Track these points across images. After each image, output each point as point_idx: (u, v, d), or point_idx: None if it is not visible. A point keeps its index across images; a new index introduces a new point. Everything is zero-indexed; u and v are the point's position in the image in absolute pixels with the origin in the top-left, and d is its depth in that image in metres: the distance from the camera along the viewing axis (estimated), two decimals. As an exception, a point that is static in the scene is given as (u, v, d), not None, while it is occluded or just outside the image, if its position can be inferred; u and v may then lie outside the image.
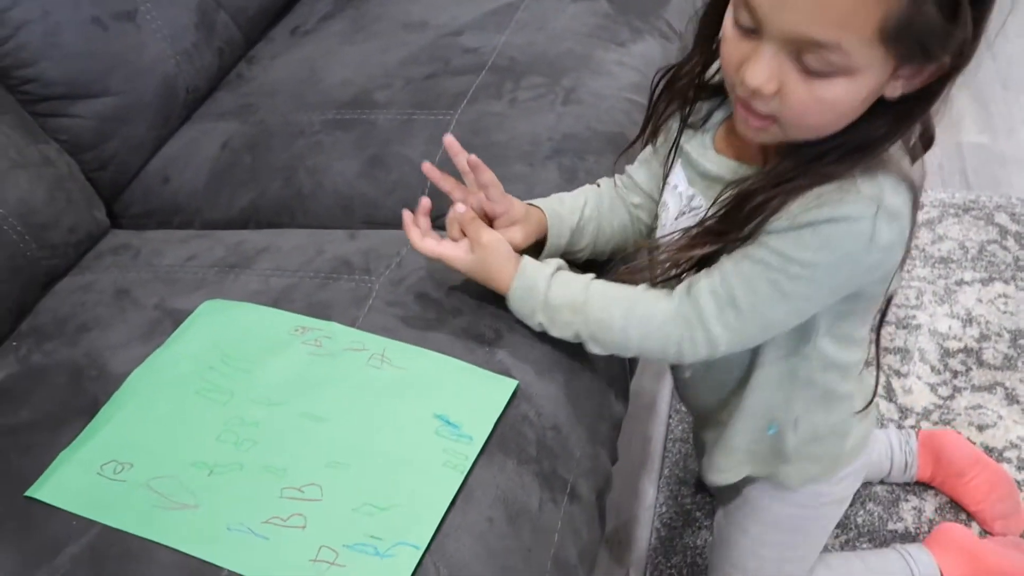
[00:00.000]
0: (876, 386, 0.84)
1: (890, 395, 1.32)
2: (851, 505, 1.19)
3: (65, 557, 0.66)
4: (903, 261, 0.71)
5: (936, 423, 1.27)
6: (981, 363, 1.35)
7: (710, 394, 0.88)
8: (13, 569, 0.66)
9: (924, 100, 0.64)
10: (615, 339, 0.77)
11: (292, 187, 1.07)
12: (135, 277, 0.95)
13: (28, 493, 0.73)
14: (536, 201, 0.86)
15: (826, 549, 1.13)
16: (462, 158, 0.82)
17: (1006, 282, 1.47)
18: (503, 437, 0.75)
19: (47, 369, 0.85)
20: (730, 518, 0.97)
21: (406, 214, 0.83)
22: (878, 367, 0.82)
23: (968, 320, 1.41)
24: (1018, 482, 1.19)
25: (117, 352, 0.84)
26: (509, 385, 0.78)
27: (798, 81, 0.62)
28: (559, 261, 0.82)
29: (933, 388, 1.33)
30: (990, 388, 1.32)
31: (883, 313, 0.79)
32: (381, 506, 0.68)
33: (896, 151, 0.67)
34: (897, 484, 1.21)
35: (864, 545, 1.15)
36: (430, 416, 0.75)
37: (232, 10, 1.29)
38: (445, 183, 0.84)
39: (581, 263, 0.88)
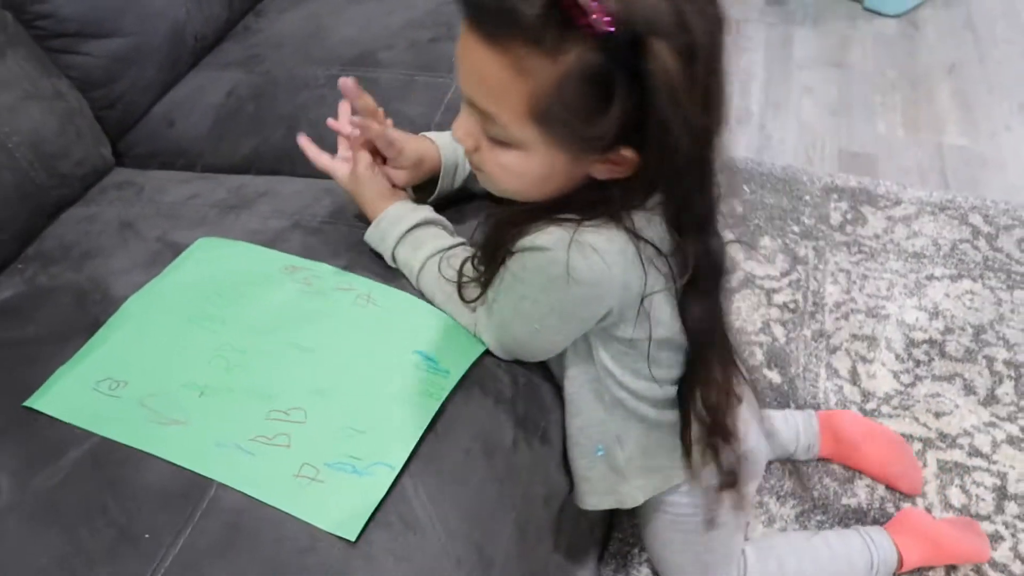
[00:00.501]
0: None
1: (854, 379, 1.38)
2: (809, 479, 1.25)
3: (68, 459, 0.71)
4: (640, 312, 0.72)
5: (896, 408, 1.33)
6: (944, 354, 1.40)
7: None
8: (18, 466, 0.71)
9: (627, 190, 0.67)
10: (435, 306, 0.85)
11: (294, 137, 1.10)
12: (138, 211, 0.99)
13: (27, 403, 0.77)
14: (438, 139, 0.91)
15: (783, 522, 1.19)
16: (358, 103, 0.86)
17: (974, 280, 1.52)
18: (482, 378, 0.80)
19: (53, 290, 0.89)
20: (641, 526, 1.04)
21: (301, 138, 0.90)
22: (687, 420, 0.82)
23: (935, 313, 1.47)
24: (967, 467, 1.25)
25: (119, 278, 0.88)
26: (486, 332, 0.83)
27: (488, 146, 0.69)
28: (423, 214, 0.86)
29: (896, 375, 1.38)
30: (950, 379, 1.37)
31: (691, 364, 0.78)
32: (360, 429, 0.73)
33: (643, 216, 0.69)
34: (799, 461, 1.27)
35: (818, 518, 1.21)
36: (410, 352, 0.80)
37: (244, -37, 1.32)
38: (359, 102, 0.86)
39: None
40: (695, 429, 0.81)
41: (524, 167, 0.68)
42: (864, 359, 1.41)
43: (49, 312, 0.87)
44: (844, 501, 1.22)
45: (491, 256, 0.75)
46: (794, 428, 1.25)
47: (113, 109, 1.16)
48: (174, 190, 1.04)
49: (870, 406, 1.33)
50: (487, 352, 0.82)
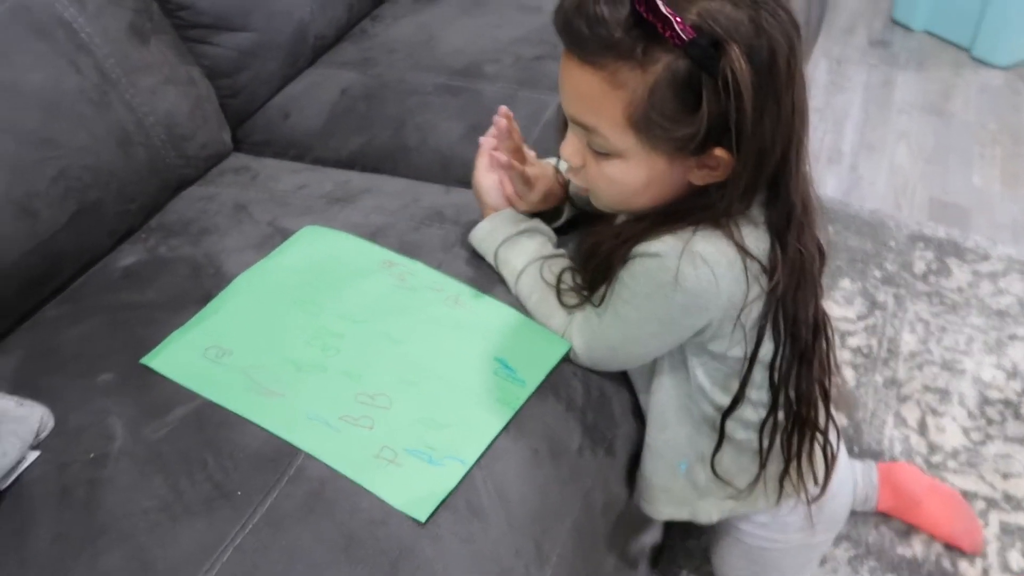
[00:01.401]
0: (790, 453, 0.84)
1: (922, 430, 1.37)
2: (863, 525, 1.25)
3: (175, 415, 0.78)
4: (736, 327, 0.74)
5: (962, 464, 1.32)
6: (1018, 416, 1.39)
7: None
8: (133, 416, 0.79)
9: (725, 194, 0.71)
10: (527, 310, 0.89)
11: (399, 139, 1.18)
12: (252, 195, 1.07)
13: (143, 361, 0.85)
14: (562, 167, 0.93)
15: (834, 563, 1.20)
16: (506, 144, 0.90)
17: (1058, 343, 1.50)
18: (556, 384, 0.84)
19: (171, 261, 0.97)
20: (712, 545, 1.06)
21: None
22: (799, 446, 0.83)
23: (1013, 373, 1.45)
24: (1029, 530, 1.24)
25: (232, 255, 0.96)
26: (564, 345, 0.87)
27: (592, 160, 0.74)
28: (532, 223, 0.91)
29: (966, 432, 1.37)
30: (1022, 441, 1.36)
31: (776, 380, 0.79)
32: (439, 423, 0.79)
33: (751, 231, 0.73)
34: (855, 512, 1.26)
35: (871, 564, 1.21)
36: (491, 357, 0.85)
37: (368, -30, 1.40)
38: (509, 130, 0.90)
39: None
40: (780, 459, 0.83)
41: (627, 175, 0.72)
42: (935, 412, 1.40)
43: (167, 280, 0.95)
44: (899, 551, 1.22)
45: (594, 266, 0.79)
46: (850, 476, 1.24)
47: (236, 98, 1.24)
48: (285, 179, 1.11)
49: (936, 459, 1.33)
50: (566, 360, 0.86)
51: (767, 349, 0.77)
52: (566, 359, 0.86)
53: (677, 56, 0.64)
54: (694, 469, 0.87)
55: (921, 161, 1.90)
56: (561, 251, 0.91)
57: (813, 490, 0.87)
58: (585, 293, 0.83)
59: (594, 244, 0.79)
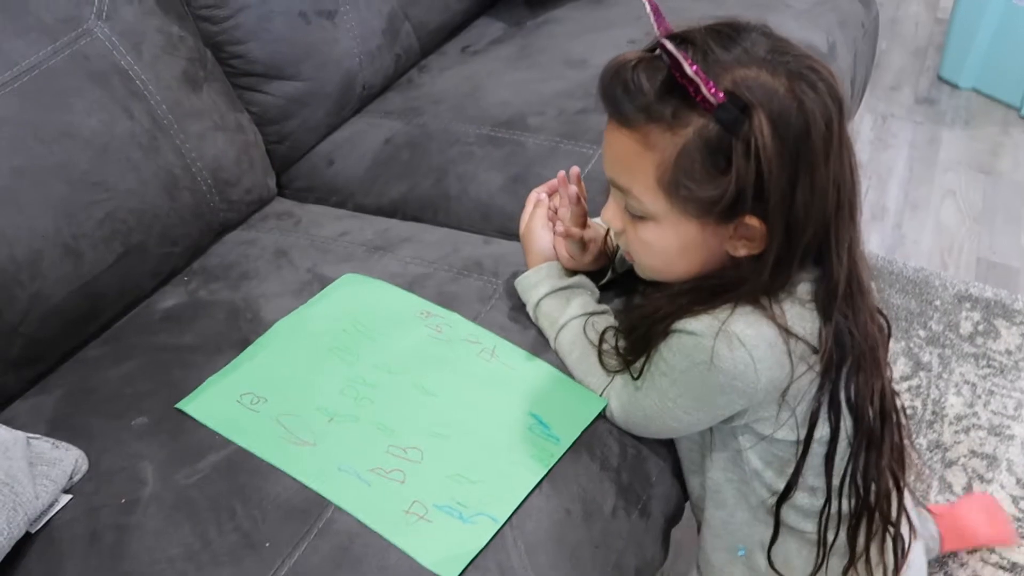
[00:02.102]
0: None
1: (968, 497, 1.33)
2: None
3: (207, 462, 0.78)
4: (783, 408, 0.73)
5: (1010, 535, 1.28)
6: (1070, 486, 1.34)
7: (691, 500, 0.93)
8: (164, 460, 0.79)
9: (762, 266, 0.70)
10: (566, 365, 0.88)
11: (441, 188, 1.18)
12: (293, 241, 1.08)
13: (178, 406, 0.85)
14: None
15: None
16: (572, 190, 0.90)
17: (1112, 412, 1.45)
18: (591, 442, 0.83)
19: (210, 304, 0.98)
20: None
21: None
22: (867, 541, 0.81)
23: (1065, 442, 1.40)
24: (1082, 609, 1.18)
25: (270, 301, 0.97)
26: (600, 402, 0.86)
27: (631, 224, 0.75)
28: (577, 278, 0.90)
29: (1015, 500, 1.32)
30: (1074, 512, 1.31)
31: (831, 467, 0.77)
32: (471, 479, 0.78)
33: (797, 310, 0.72)
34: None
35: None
36: (526, 413, 0.84)
37: (415, 22, 1.42)
38: (571, 190, 0.90)
39: None
40: (844, 552, 0.81)
41: (661, 240, 0.73)
42: (981, 478, 1.35)
43: (205, 324, 0.95)
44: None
45: (636, 336, 0.79)
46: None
47: (282, 144, 1.26)
48: (327, 225, 1.12)
49: (982, 529, 1.28)
50: (601, 418, 0.85)
51: (822, 433, 0.75)
52: (602, 416, 0.85)
53: (708, 121, 0.65)
54: (754, 555, 0.85)
55: (968, 220, 1.87)
56: (605, 307, 0.90)
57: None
58: (627, 357, 0.82)
59: (638, 315, 0.79)
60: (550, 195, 0.94)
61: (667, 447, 0.91)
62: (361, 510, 0.75)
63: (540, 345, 0.90)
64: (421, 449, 0.80)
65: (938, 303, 1.66)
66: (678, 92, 0.65)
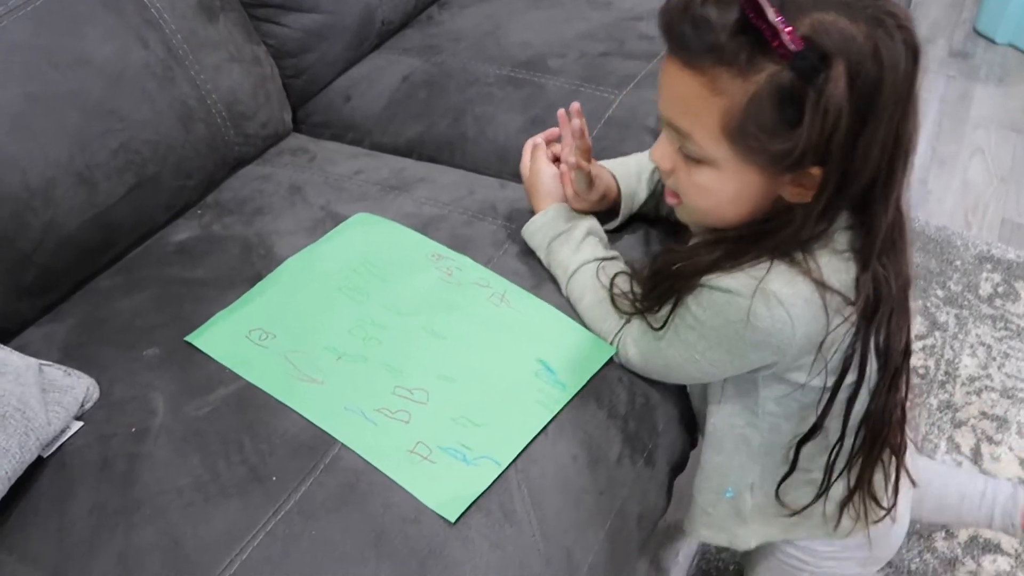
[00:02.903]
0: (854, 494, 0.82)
1: (976, 458, 1.33)
2: (907, 551, 1.22)
3: (217, 395, 0.79)
4: (818, 359, 0.72)
5: (1015, 497, 1.28)
6: (1079, 452, 1.33)
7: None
8: (173, 393, 0.79)
9: (809, 214, 0.67)
10: (576, 311, 0.88)
11: (458, 128, 1.17)
12: (308, 178, 1.07)
13: (187, 339, 0.85)
14: (615, 170, 0.93)
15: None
16: (576, 123, 0.88)
17: None
18: (599, 389, 0.83)
19: (224, 239, 0.98)
20: (749, 565, 1.03)
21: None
22: (897, 479, 0.82)
23: (1078, 407, 1.39)
24: (1083, 573, 1.19)
25: (283, 237, 0.96)
26: (608, 350, 0.86)
27: (684, 167, 0.71)
28: (588, 222, 0.90)
29: (1023, 463, 1.32)
30: (1082, 478, 1.30)
31: (850, 409, 0.77)
32: (476, 422, 0.78)
33: (833, 261, 0.70)
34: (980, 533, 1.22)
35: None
36: (533, 358, 0.84)
37: (437, -43, 1.39)
38: (581, 129, 0.89)
39: None
40: (842, 486, 0.81)
41: (717, 185, 0.70)
42: (991, 440, 1.35)
43: (218, 258, 0.95)
44: (942, 581, 1.19)
45: (661, 285, 0.77)
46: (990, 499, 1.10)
47: (299, 79, 1.25)
48: (342, 163, 1.11)
49: (987, 490, 1.28)
50: (610, 365, 0.85)
51: (851, 378, 0.74)
52: (612, 364, 0.85)
53: (782, 68, 0.61)
54: (741, 497, 0.86)
55: (995, 179, 1.84)
56: (615, 254, 0.89)
57: (878, 514, 0.84)
58: (639, 304, 0.81)
59: (666, 265, 0.77)
60: (548, 143, 0.94)
61: (678, 396, 0.91)
62: (365, 448, 0.75)
63: (550, 292, 0.90)
64: (427, 391, 0.80)
65: (958, 263, 1.64)
66: (751, 33, 0.61)
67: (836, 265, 0.70)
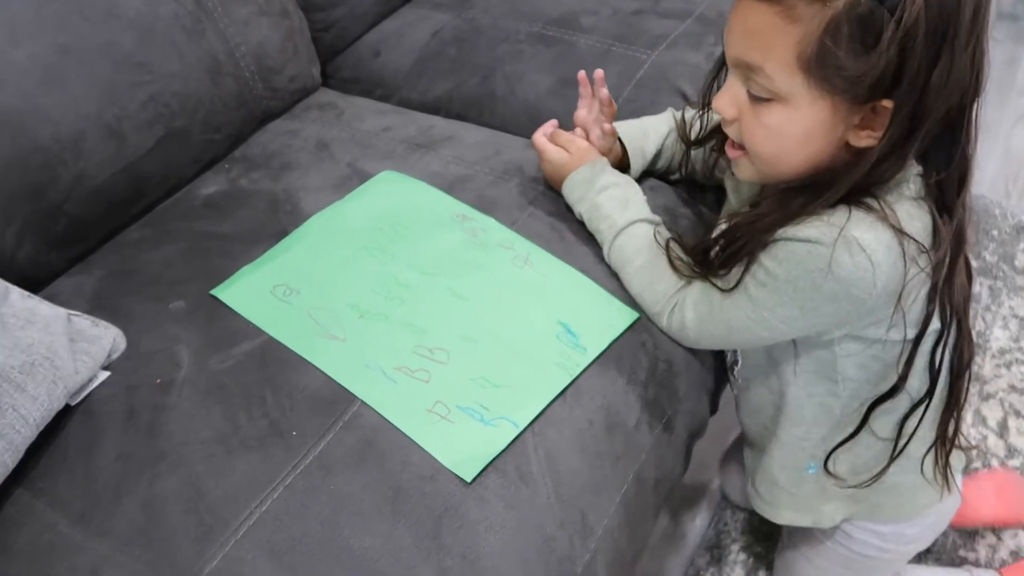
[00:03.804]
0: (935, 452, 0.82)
1: (1002, 432, 1.31)
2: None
3: (240, 349, 0.80)
4: (897, 309, 0.71)
5: (1041, 472, 1.27)
6: (1110, 429, 1.31)
7: (750, 417, 0.92)
8: (199, 346, 0.81)
9: (883, 150, 0.66)
10: (623, 271, 0.87)
11: (487, 86, 1.16)
12: (335, 134, 1.07)
13: (212, 292, 0.86)
14: (621, 131, 0.94)
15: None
16: (604, 92, 0.91)
17: None
18: (620, 355, 0.83)
19: (251, 194, 0.98)
20: (794, 542, 1.02)
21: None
22: (957, 427, 0.81)
23: (1111, 384, 1.37)
24: (1106, 551, 1.18)
25: (310, 194, 0.96)
26: (631, 315, 0.86)
27: (749, 108, 0.70)
28: (634, 184, 0.91)
29: (1050, 439, 1.31)
30: (1110, 455, 1.29)
31: (937, 362, 0.76)
32: (495, 383, 0.78)
33: (907, 207, 0.69)
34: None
35: (931, 562, 1.18)
36: (554, 321, 0.84)
37: (471, -92, 1.36)
38: (602, 92, 0.93)
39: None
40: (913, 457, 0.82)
41: (787, 123, 0.68)
42: (1019, 413, 1.33)
43: (245, 213, 0.96)
44: (962, 553, 1.19)
45: (735, 246, 0.75)
46: None
47: (328, 32, 1.24)
48: (370, 119, 1.10)
49: (1013, 463, 1.27)
50: (633, 330, 0.84)
51: (933, 328, 0.73)
52: (636, 329, 0.84)
53: None
54: (824, 472, 0.85)
55: (1039, 148, 1.79)
56: (658, 218, 0.88)
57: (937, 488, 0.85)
58: (700, 269, 0.80)
59: (741, 224, 0.75)
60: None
61: (701, 362, 0.90)
62: (385, 406, 0.76)
63: (574, 255, 0.89)
64: (448, 351, 0.81)
65: (995, 233, 1.60)
66: None
67: (911, 211, 0.69)
